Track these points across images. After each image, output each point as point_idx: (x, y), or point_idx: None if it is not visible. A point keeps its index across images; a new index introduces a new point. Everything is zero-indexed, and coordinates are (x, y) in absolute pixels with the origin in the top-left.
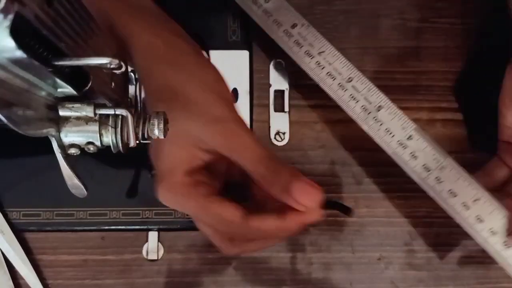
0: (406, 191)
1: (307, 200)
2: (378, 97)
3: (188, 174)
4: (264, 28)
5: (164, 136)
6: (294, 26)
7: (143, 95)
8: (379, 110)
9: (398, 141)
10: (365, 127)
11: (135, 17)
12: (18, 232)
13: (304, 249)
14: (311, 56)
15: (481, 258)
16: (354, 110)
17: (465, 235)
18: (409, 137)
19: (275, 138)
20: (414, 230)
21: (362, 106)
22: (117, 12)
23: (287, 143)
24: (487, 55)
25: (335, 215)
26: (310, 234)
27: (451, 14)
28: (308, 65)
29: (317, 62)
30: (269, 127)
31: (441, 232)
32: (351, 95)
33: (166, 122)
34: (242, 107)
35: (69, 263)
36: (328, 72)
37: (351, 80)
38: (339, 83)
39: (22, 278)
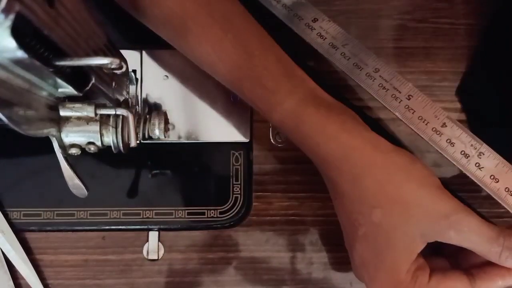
0: None
1: None
2: (406, 86)
3: (407, 272)
4: (286, 22)
5: (165, 136)
6: (315, 20)
7: (144, 95)
8: (409, 99)
9: (433, 128)
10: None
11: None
12: (19, 232)
13: (304, 249)
14: (335, 48)
15: None
16: (384, 98)
17: None
18: (443, 125)
19: (275, 138)
20: None
21: (392, 95)
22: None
23: (287, 143)
24: (488, 55)
25: (335, 215)
26: (310, 234)
27: (451, 14)
28: (333, 56)
29: (342, 53)
30: (269, 127)
31: None
32: (380, 84)
33: (166, 122)
34: (242, 107)
35: (69, 263)
36: (354, 63)
37: (378, 71)
38: (367, 73)
39: (23, 278)
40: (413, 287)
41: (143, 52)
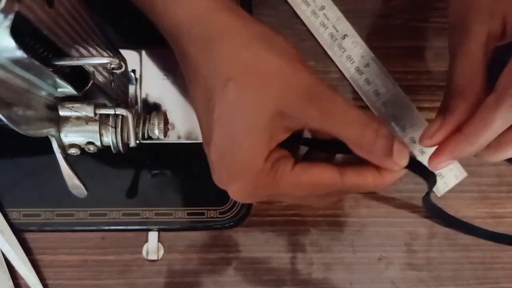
0: (406, 191)
1: (403, 162)
2: (345, 26)
3: (266, 160)
4: None
5: (164, 136)
6: None
7: (143, 95)
8: (344, 38)
9: (356, 67)
10: (330, 52)
11: None
12: (18, 232)
13: (305, 249)
14: None
15: (481, 258)
16: (322, 36)
17: (465, 235)
18: (366, 65)
19: None
20: (414, 230)
21: (330, 33)
22: None
23: None
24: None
25: (335, 216)
26: (310, 234)
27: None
28: None
29: None
30: None
31: (441, 232)
32: (321, 22)
33: (166, 122)
34: None
35: (69, 263)
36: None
37: (323, 8)
38: (312, 10)
39: (22, 278)
40: (274, 176)
41: (143, 52)
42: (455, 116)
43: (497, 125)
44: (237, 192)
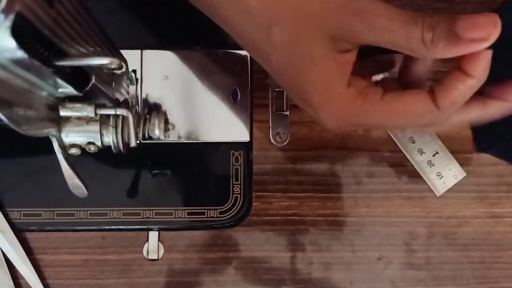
0: (406, 191)
1: (480, 31)
2: None
3: (349, 85)
4: None
5: (165, 136)
6: None
7: (144, 95)
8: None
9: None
10: None
11: None
12: (19, 232)
13: (304, 248)
14: None
15: (481, 258)
16: None
17: (465, 234)
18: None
19: (275, 138)
20: (414, 230)
21: None
22: None
23: (287, 143)
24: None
25: (335, 215)
26: (310, 234)
27: (451, 14)
28: None
29: None
30: (269, 127)
31: (440, 232)
32: None
33: (166, 122)
34: (242, 107)
35: (69, 263)
36: None
37: None
38: None
39: (23, 278)
40: (362, 103)
41: (143, 52)
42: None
43: None
44: (327, 120)
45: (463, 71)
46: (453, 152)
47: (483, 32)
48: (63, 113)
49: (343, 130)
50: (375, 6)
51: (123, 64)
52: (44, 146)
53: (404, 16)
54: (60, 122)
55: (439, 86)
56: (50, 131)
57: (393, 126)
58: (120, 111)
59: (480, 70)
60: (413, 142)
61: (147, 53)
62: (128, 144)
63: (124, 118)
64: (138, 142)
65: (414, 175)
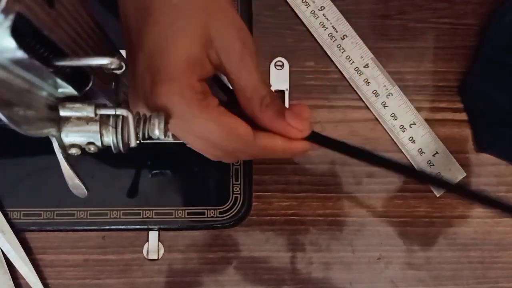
0: (406, 191)
1: (300, 126)
2: (344, 26)
3: (200, 80)
4: None
5: (165, 136)
6: None
7: None
8: (343, 39)
9: (356, 68)
10: (329, 53)
11: None
12: (19, 232)
13: (304, 248)
14: None
15: (480, 258)
16: (322, 36)
17: (465, 234)
18: (366, 65)
19: None
20: (414, 230)
21: (329, 33)
22: None
23: None
24: (488, 55)
25: (335, 215)
26: (310, 234)
27: (451, 14)
28: None
29: None
30: None
31: (440, 231)
32: (321, 22)
33: (166, 122)
34: None
35: (69, 263)
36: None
37: (323, 9)
38: (312, 11)
39: (23, 278)
40: (201, 101)
41: None
42: None
43: None
44: (162, 97)
45: (289, 138)
46: (453, 152)
47: (299, 123)
48: (63, 113)
49: (175, 113)
50: (255, 50)
51: (123, 64)
52: (44, 146)
53: (261, 75)
54: (60, 122)
55: (262, 131)
56: (50, 131)
57: (213, 138)
58: (120, 111)
59: (298, 147)
60: (413, 142)
61: None
62: (128, 144)
63: (124, 118)
64: (138, 142)
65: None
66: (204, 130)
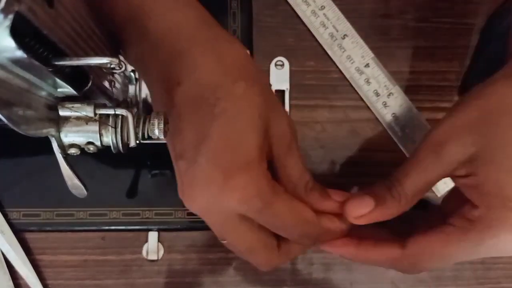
0: None
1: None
2: (345, 26)
3: (267, 169)
4: None
5: (164, 136)
6: None
7: (143, 95)
8: (344, 38)
9: (356, 67)
10: (330, 52)
11: None
12: (18, 232)
13: None
14: None
15: (481, 258)
16: (322, 36)
17: None
18: (366, 65)
19: None
20: None
21: (330, 33)
22: None
23: None
24: (488, 55)
25: None
26: None
27: (451, 14)
28: None
29: None
30: None
31: None
32: (321, 22)
33: (166, 122)
34: None
35: (69, 263)
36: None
37: (323, 8)
38: (312, 10)
39: (22, 278)
40: (273, 187)
41: None
42: (387, 213)
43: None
44: (239, 187)
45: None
46: None
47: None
48: (62, 113)
49: (250, 205)
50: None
51: (122, 64)
52: (43, 146)
53: (304, 162)
54: (59, 122)
55: (322, 215)
56: (49, 131)
57: (288, 223)
58: (120, 111)
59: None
60: (414, 142)
61: None
62: (128, 144)
63: (124, 118)
64: (137, 142)
65: None
66: (277, 217)
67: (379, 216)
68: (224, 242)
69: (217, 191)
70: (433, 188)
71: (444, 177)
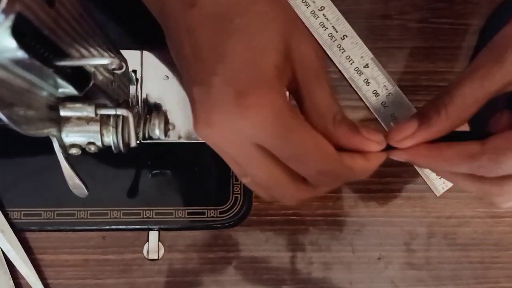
0: (406, 191)
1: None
2: (344, 26)
3: (283, 86)
4: None
5: (165, 136)
6: None
7: (144, 95)
8: (343, 39)
9: (356, 68)
10: (329, 53)
11: None
12: (19, 231)
13: (304, 248)
14: None
15: (480, 258)
16: (322, 36)
17: (465, 234)
18: (366, 65)
19: None
20: (413, 230)
21: (329, 34)
22: None
23: None
24: None
25: (335, 215)
26: (310, 234)
27: (451, 14)
28: None
29: None
30: None
31: (440, 231)
32: (321, 22)
33: (166, 122)
34: None
35: (69, 262)
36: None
37: (323, 9)
38: (312, 11)
39: (23, 278)
40: (295, 113)
41: (143, 52)
42: (434, 131)
43: (468, 170)
44: (254, 107)
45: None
46: None
47: (376, 136)
48: (63, 113)
49: (267, 131)
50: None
51: (123, 64)
52: (44, 146)
53: (332, 91)
54: (60, 122)
55: (345, 152)
56: (50, 131)
57: (310, 155)
58: (121, 111)
59: (375, 162)
60: None
61: (147, 53)
62: (128, 144)
63: (125, 118)
64: (138, 142)
65: (414, 175)
66: (296, 146)
67: (424, 135)
68: (246, 180)
69: (231, 112)
70: (433, 188)
71: (501, 90)
